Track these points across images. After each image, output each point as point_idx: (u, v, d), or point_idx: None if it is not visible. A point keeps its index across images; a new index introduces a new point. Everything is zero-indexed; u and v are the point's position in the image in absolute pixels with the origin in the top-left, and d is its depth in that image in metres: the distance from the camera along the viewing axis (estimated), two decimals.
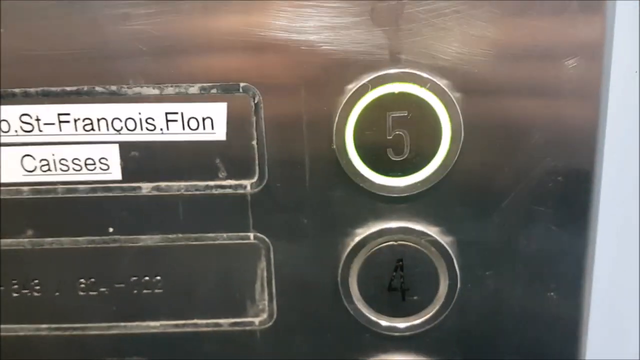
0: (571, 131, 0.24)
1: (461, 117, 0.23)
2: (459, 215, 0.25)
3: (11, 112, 0.24)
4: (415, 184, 0.24)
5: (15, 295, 0.26)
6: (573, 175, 0.25)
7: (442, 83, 0.23)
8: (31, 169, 0.25)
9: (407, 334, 0.26)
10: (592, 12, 0.22)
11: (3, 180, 0.25)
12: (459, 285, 0.26)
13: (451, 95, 0.23)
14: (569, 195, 0.25)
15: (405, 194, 0.25)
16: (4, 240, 0.25)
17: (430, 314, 0.26)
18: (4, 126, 0.24)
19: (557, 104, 0.24)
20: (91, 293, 0.26)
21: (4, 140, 0.24)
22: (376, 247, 0.25)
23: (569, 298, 0.26)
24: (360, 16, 0.23)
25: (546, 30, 0.23)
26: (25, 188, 0.25)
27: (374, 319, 0.26)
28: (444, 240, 0.25)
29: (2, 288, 0.26)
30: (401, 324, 0.26)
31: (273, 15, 0.23)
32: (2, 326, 0.26)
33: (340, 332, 0.27)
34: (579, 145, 0.24)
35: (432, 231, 0.25)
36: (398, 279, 0.26)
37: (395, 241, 0.25)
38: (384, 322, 0.26)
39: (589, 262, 0.26)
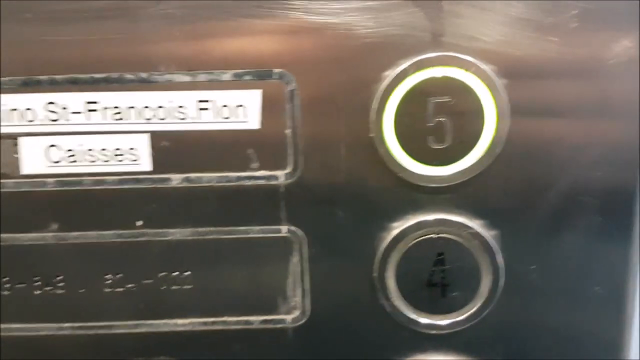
0: (619, 120, 0.23)
1: (507, 104, 0.22)
2: (502, 207, 0.24)
3: (36, 100, 0.23)
4: (457, 173, 0.23)
5: (37, 292, 0.25)
6: (619, 165, 0.24)
7: (487, 68, 0.22)
8: (57, 160, 0.24)
9: (447, 332, 0.25)
10: None
11: (26, 172, 0.24)
12: (502, 281, 0.25)
13: (497, 81, 0.22)
14: (614, 185, 0.24)
15: (446, 184, 0.23)
16: (26, 235, 0.24)
17: (472, 310, 0.25)
18: (29, 115, 0.23)
19: (605, 92, 0.23)
20: (118, 290, 0.25)
21: (29, 129, 0.23)
22: (415, 241, 0.24)
23: (615, 293, 0.25)
24: None
25: (593, 12, 0.22)
26: (50, 180, 0.24)
27: (412, 316, 0.25)
28: (487, 233, 0.24)
29: (24, 285, 0.25)
30: (442, 321, 0.25)
31: None
32: (23, 326, 0.25)
33: (376, 329, 0.25)
34: (625, 135, 0.23)
35: (474, 223, 0.24)
36: (438, 274, 0.24)
37: (435, 234, 0.24)
38: (423, 320, 0.25)
39: (636, 254, 0.25)
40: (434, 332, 0.25)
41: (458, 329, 0.25)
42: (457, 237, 0.24)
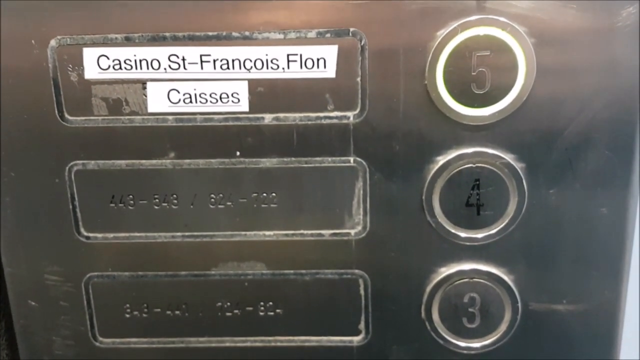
0: (623, 73, 0.29)
1: (535, 58, 0.28)
2: (528, 141, 0.30)
3: (161, 52, 0.29)
4: (494, 114, 0.29)
5: (156, 207, 0.31)
6: (622, 109, 0.29)
7: (520, 28, 0.28)
8: (176, 101, 0.30)
9: (481, 243, 0.31)
10: None
11: (151, 110, 0.30)
12: (526, 202, 0.30)
13: (528, 40, 0.28)
14: (618, 125, 0.29)
15: (484, 123, 0.29)
16: (149, 161, 0.31)
17: (501, 226, 0.31)
18: (155, 64, 0.29)
19: (612, 49, 0.28)
20: (219, 206, 0.31)
21: (155, 76, 0.29)
22: (457, 169, 0.30)
23: (616, 213, 0.31)
24: None
25: None
26: (169, 117, 0.30)
27: (452, 230, 0.31)
28: (516, 163, 0.30)
29: (145, 202, 0.31)
30: (477, 234, 0.31)
31: None
32: (144, 234, 0.32)
33: (423, 242, 0.32)
34: (627, 85, 0.29)
35: (506, 156, 0.30)
36: (474, 196, 0.30)
37: (474, 164, 0.30)
38: (462, 234, 0.31)
39: (635, 181, 0.30)
40: (469, 243, 0.31)
41: (490, 241, 0.31)
42: (491, 166, 0.30)
